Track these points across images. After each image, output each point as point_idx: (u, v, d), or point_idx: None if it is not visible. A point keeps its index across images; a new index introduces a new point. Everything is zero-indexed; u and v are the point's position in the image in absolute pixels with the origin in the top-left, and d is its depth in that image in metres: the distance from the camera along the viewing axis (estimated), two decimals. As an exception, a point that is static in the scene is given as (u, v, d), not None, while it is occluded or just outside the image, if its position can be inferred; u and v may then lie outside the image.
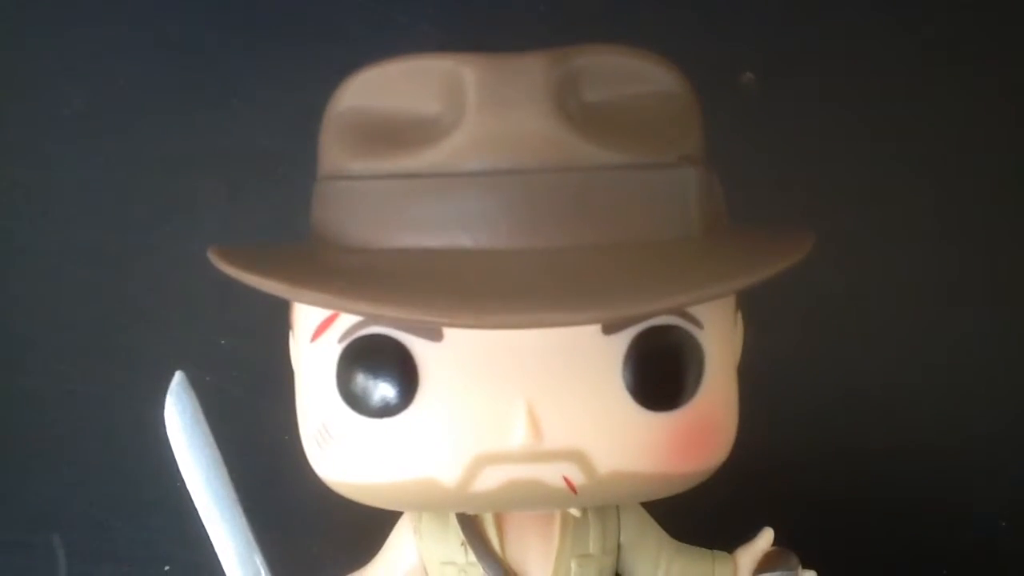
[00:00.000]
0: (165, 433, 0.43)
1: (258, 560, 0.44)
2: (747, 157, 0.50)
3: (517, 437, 0.35)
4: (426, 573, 0.43)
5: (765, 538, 0.46)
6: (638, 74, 0.39)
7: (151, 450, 0.47)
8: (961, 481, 0.54)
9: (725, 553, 0.46)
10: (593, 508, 0.43)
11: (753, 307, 0.48)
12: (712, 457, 0.39)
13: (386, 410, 0.36)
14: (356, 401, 0.36)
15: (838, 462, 0.51)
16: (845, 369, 0.53)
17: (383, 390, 0.36)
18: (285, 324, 0.41)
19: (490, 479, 0.36)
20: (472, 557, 0.42)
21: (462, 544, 0.42)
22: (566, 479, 0.36)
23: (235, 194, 0.52)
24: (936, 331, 0.54)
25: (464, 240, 0.35)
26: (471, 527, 0.42)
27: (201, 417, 0.43)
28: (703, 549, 0.46)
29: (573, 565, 0.42)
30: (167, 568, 0.50)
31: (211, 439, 0.43)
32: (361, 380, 0.36)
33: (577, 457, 0.36)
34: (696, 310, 0.36)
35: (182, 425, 0.43)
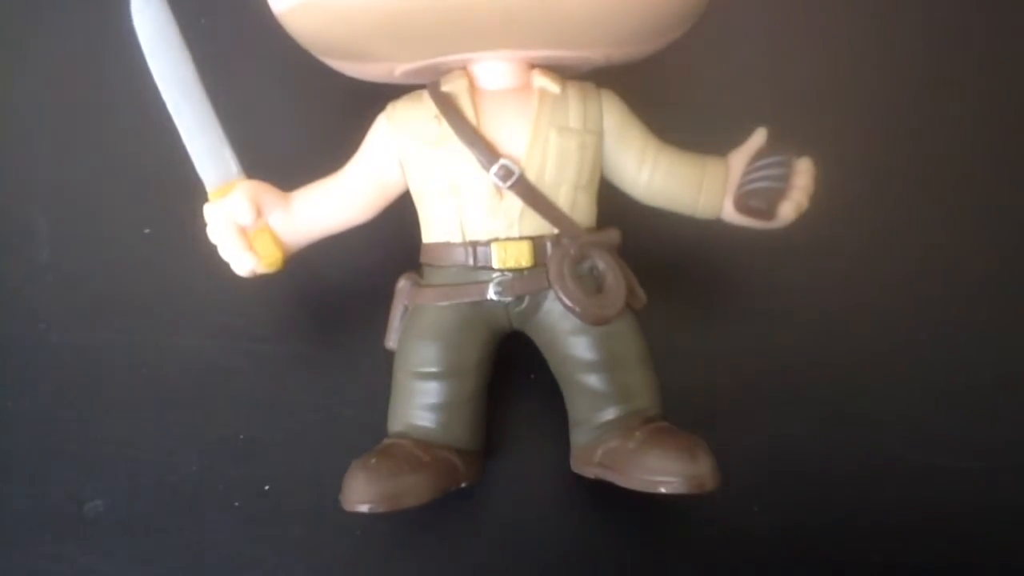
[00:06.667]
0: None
1: (227, 153, 0.42)
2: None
3: (477, -78, 0.34)
4: (401, 168, 0.42)
5: (758, 136, 0.43)
6: None
7: (132, 117, 0.47)
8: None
9: (718, 156, 0.44)
10: (574, 87, 0.42)
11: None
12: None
13: None
14: None
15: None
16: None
17: None
18: None
19: None
20: (446, 128, 0.40)
21: (435, 117, 0.41)
22: None
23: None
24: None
25: None
26: (445, 102, 0.41)
27: (168, 11, 0.42)
28: (693, 152, 0.44)
29: (552, 136, 0.40)
30: (147, 231, 0.49)
31: (179, 35, 0.42)
32: None
33: (542, -54, 0.34)
34: None
35: (149, 18, 0.42)
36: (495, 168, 0.40)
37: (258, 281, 0.43)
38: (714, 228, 0.44)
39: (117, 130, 0.49)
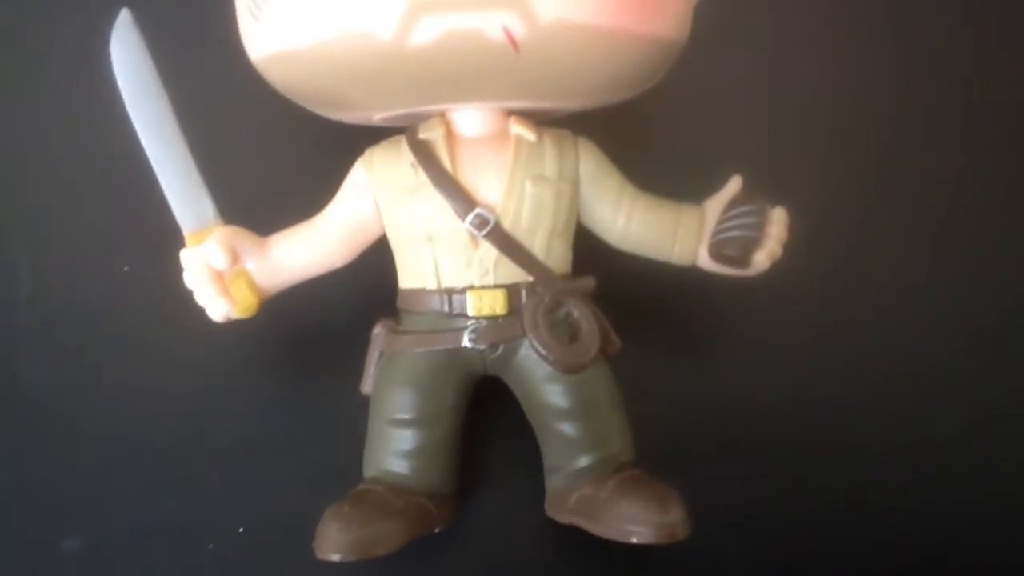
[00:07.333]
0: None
1: (204, 198, 0.42)
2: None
3: (453, -20, 0.34)
4: (378, 214, 0.42)
5: (733, 184, 0.44)
6: None
7: (112, 154, 0.47)
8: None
9: (693, 203, 0.44)
10: (550, 136, 0.42)
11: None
12: (659, 19, 0.37)
13: None
14: None
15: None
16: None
17: None
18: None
19: (427, 30, 0.34)
20: (422, 177, 0.40)
21: (412, 165, 0.41)
22: (506, 30, 0.34)
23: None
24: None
25: None
26: (422, 150, 0.41)
27: (147, 55, 0.42)
28: (669, 200, 0.44)
29: (528, 185, 0.41)
30: (126, 268, 0.49)
31: (157, 78, 0.42)
32: None
33: (517, 4, 0.34)
34: None
35: (127, 63, 0.42)
36: (470, 217, 0.40)
37: (236, 322, 0.43)
38: (690, 272, 0.44)
39: (98, 167, 0.49)
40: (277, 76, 0.39)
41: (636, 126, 0.46)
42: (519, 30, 0.34)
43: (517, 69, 0.36)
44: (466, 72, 0.36)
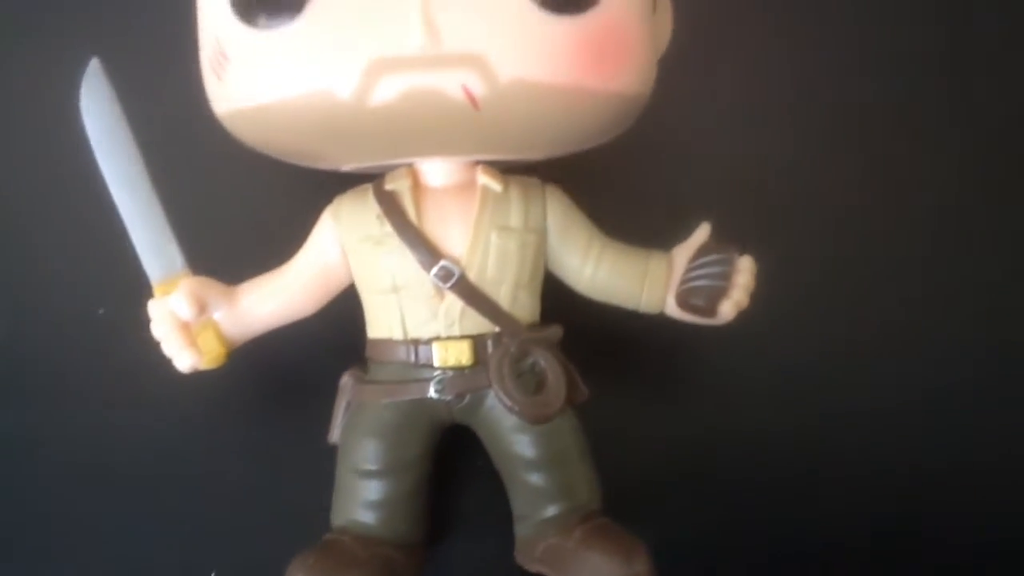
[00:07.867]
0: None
1: (172, 249, 0.42)
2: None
3: (413, 40, 0.34)
4: (346, 263, 0.42)
5: (701, 232, 0.44)
6: None
7: (89, 197, 0.47)
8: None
9: (661, 251, 0.44)
10: (517, 185, 0.42)
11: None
12: (621, 76, 0.37)
13: (278, 17, 0.35)
14: (248, 11, 0.35)
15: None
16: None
17: None
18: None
19: (388, 89, 0.34)
20: (388, 228, 0.41)
21: (377, 217, 0.41)
22: (465, 89, 0.35)
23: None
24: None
25: None
26: (388, 201, 0.41)
27: (116, 104, 0.42)
28: (638, 247, 0.44)
29: (493, 236, 0.41)
30: (101, 311, 0.49)
31: (126, 127, 0.42)
32: None
33: (476, 63, 0.34)
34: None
35: (97, 112, 0.42)
36: (435, 269, 0.40)
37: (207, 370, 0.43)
38: (658, 320, 0.44)
39: (73, 209, 0.49)
40: (241, 131, 0.39)
41: (605, 171, 0.46)
42: (478, 89, 0.35)
43: (478, 126, 0.36)
44: (427, 129, 0.36)
